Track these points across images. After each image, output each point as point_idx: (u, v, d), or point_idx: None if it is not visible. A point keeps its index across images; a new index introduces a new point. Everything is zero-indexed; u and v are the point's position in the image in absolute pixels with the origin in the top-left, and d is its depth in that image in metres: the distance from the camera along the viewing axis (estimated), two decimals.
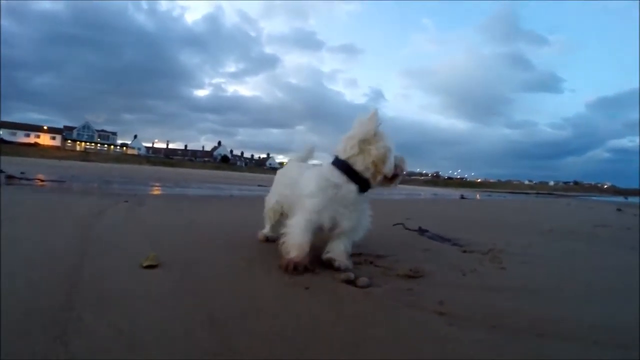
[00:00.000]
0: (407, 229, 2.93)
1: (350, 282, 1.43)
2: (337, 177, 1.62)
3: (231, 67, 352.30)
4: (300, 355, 0.89)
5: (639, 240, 3.31)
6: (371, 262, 1.76)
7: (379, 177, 1.62)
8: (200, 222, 2.85)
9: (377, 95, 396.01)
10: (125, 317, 1.06)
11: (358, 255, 1.85)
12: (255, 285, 1.40)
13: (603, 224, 5.26)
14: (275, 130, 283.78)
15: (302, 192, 1.69)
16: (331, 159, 1.70)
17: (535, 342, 1.08)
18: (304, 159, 2.13)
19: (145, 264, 1.49)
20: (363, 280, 1.43)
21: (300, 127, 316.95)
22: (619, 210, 10.87)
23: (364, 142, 1.61)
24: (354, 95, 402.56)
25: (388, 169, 1.60)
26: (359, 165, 1.61)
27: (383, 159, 1.60)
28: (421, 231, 2.80)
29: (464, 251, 2.24)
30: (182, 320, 1.04)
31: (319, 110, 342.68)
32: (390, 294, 1.35)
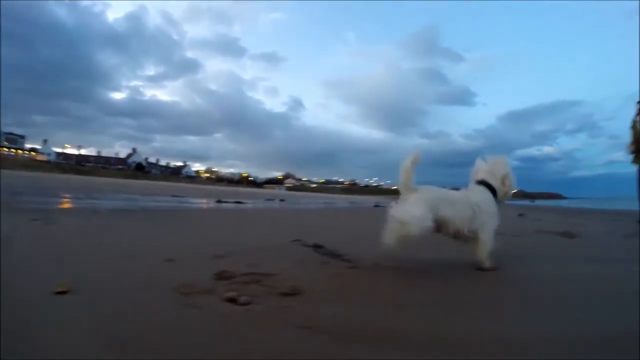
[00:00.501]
0: (304, 245, 3.10)
1: (233, 301, 1.57)
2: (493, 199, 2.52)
3: (150, 70, 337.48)
4: None
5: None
6: (258, 281, 1.87)
7: (506, 199, 2.64)
8: (113, 241, 2.89)
9: (297, 104, 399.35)
10: (37, 345, 1.11)
11: (247, 275, 1.96)
12: (155, 305, 1.51)
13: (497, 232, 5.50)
14: (192, 138, 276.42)
15: (486, 210, 2.43)
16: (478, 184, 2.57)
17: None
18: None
19: (57, 290, 1.54)
20: (244, 298, 1.57)
21: (218, 135, 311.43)
22: (520, 215, 11.53)
23: (504, 177, 2.55)
24: (274, 104, 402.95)
25: (512, 194, 2.63)
26: (499, 191, 2.54)
27: (512, 189, 2.60)
28: (316, 247, 2.97)
29: (350, 267, 2.42)
30: (91, 343, 1.15)
31: (238, 117, 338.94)
32: (268, 311, 1.49)
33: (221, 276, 1.91)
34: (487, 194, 2.51)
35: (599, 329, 1.47)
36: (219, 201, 14.50)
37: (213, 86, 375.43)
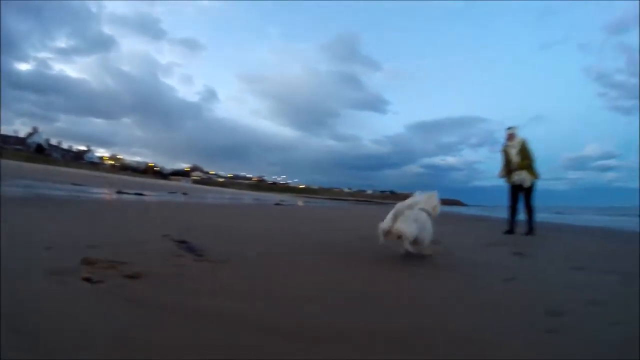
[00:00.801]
0: (171, 239, 3.69)
1: (88, 280, 2.15)
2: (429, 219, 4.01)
3: (62, 42, 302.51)
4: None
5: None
6: (114, 267, 2.45)
7: (435, 217, 4.16)
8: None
9: (211, 95, 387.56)
10: None
11: (107, 262, 2.53)
12: (27, 283, 2.03)
13: (365, 237, 5.85)
14: (98, 120, 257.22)
15: (428, 227, 3.95)
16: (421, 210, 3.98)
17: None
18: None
19: None
20: (95, 278, 2.17)
21: (126, 120, 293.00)
22: None
23: (435, 207, 4.17)
24: (187, 93, 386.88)
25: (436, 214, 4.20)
26: (432, 215, 4.08)
27: (437, 212, 4.20)
28: (180, 242, 3.57)
29: (198, 260, 3.01)
30: None
31: (149, 103, 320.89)
32: (111, 287, 2.09)
33: (86, 262, 2.47)
34: (427, 216, 4.01)
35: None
36: (119, 192, 14.34)
37: (126, 67, 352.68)
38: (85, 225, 4.41)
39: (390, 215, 3.84)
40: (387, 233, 3.80)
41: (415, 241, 3.77)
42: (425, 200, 4.15)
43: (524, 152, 8.06)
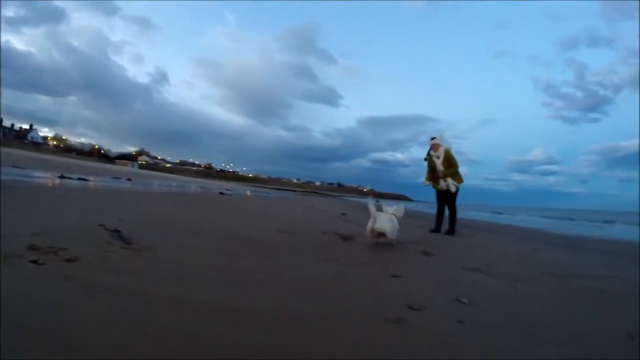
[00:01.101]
0: (105, 229, 4.23)
1: (35, 262, 2.76)
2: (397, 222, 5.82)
3: (10, 11, 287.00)
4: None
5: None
6: (54, 252, 3.04)
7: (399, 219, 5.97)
8: None
9: (162, 77, 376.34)
10: None
11: (49, 247, 3.12)
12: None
13: (286, 230, 6.52)
14: (44, 97, 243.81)
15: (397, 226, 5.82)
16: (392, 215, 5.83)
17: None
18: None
19: None
20: (40, 261, 2.77)
21: (72, 98, 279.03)
22: (343, 214, 12.60)
23: (400, 216, 5.98)
24: (138, 73, 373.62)
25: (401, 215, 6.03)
26: (398, 219, 5.90)
27: (401, 215, 6.02)
28: (113, 231, 4.12)
29: (125, 247, 3.60)
30: None
31: (98, 82, 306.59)
32: (52, 269, 2.68)
33: (31, 248, 3.06)
34: (396, 219, 5.80)
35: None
36: (62, 177, 14.33)
37: (76, 42, 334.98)
38: (29, 213, 4.91)
39: (372, 219, 5.52)
40: (372, 230, 5.46)
41: (388, 235, 5.48)
42: (394, 209, 5.94)
43: (448, 161, 8.65)
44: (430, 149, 8.98)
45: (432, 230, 9.02)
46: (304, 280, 3.30)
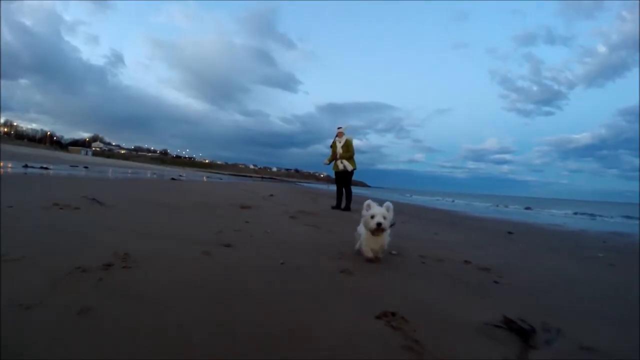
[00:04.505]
0: (88, 198, 6.21)
1: None
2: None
3: None
4: None
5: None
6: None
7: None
8: None
9: (117, 59, 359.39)
10: None
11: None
12: None
13: (202, 201, 7.55)
14: None
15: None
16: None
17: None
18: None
19: None
20: None
21: (24, 81, 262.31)
22: (271, 195, 13.01)
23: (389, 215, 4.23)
24: (92, 55, 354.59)
25: (392, 217, 4.37)
26: (388, 217, 4.21)
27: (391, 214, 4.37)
28: (92, 199, 6.17)
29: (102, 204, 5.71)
30: None
31: (50, 64, 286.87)
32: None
33: None
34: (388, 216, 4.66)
35: None
36: (26, 166, 15.00)
37: (27, 21, 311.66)
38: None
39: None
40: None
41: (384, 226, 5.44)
42: (386, 207, 5.86)
43: (347, 147, 9.62)
44: (336, 135, 9.91)
45: (333, 207, 9.96)
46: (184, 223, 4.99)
